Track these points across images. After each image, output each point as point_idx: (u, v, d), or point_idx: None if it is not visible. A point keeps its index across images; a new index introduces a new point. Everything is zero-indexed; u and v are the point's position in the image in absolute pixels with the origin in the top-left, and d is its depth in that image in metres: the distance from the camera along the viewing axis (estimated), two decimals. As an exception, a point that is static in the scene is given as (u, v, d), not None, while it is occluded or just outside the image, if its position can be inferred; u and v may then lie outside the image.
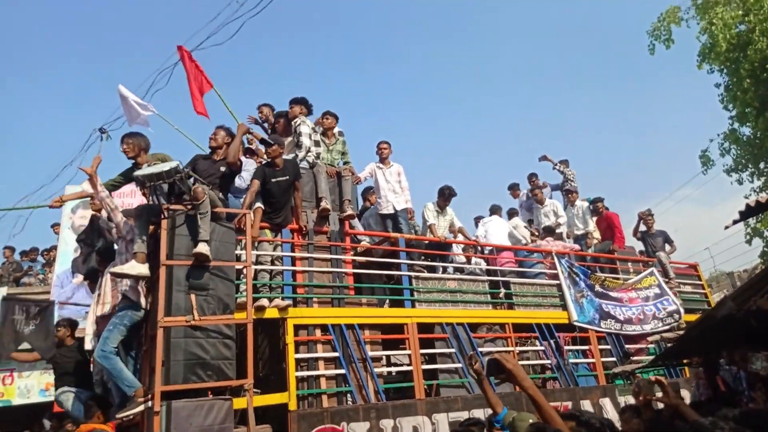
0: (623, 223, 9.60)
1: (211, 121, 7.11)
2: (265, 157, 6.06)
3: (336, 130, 7.16)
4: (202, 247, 4.53)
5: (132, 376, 4.65)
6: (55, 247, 13.28)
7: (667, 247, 9.60)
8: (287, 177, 5.68)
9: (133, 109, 6.82)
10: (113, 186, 5.33)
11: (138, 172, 4.61)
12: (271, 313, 5.52)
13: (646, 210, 9.95)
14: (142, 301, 4.90)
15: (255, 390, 5.92)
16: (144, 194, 4.71)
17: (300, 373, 5.51)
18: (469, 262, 8.36)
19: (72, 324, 6.54)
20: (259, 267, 5.63)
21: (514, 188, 10.88)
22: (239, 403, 5.02)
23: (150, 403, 4.36)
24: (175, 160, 4.70)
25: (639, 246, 10.09)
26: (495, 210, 8.91)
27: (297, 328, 5.68)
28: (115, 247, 5.23)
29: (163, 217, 4.64)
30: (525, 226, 9.07)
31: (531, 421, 3.27)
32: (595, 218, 9.74)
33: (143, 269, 4.70)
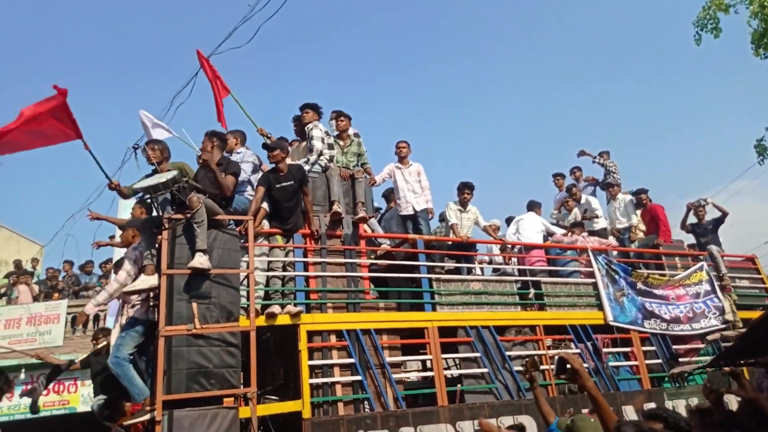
0: (673, 221, 9.03)
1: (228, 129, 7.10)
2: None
3: (351, 131, 7.05)
4: (197, 260, 4.52)
5: (142, 384, 4.69)
6: (111, 260, 13.85)
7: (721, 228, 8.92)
8: (291, 182, 5.60)
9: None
10: (134, 191, 5.37)
11: (137, 185, 4.65)
12: (283, 320, 5.46)
13: (697, 200, 9.27)
14: (150, 315, 4.93)
15: (273, 398, 5.92)
16: (144, 206, 4.73)
17: (314, 380, 5.41)
18: (506, 262, 8.04)
19: (107, 333, 6.74)
20: (270, 273, 5.58)
21: (558, 177, 10.34)
22: (247, 412, 4.99)
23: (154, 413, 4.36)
24: (175, 171, 4.72)
25: (690, 239, 9.43)
26: (531, 206, 8.47)
27: (311, 334, 5.59)
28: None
29: (164, 227, 4.65)
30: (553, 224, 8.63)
31: (593, 420, 3.11)
32: (639, 212, 9.19)
33: (153, 280, 4.74)
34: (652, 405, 6.87)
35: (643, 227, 9.01)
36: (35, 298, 13.73)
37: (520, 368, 6.46)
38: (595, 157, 10.00)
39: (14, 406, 13.11)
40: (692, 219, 9.27)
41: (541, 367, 6.58)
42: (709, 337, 7.97)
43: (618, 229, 9.11)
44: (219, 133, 5.38)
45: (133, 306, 4.97)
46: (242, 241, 5.19)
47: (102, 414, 5.69)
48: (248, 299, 5.33)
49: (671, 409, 6.02)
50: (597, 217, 8.86)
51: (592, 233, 8.80)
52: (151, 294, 4.92)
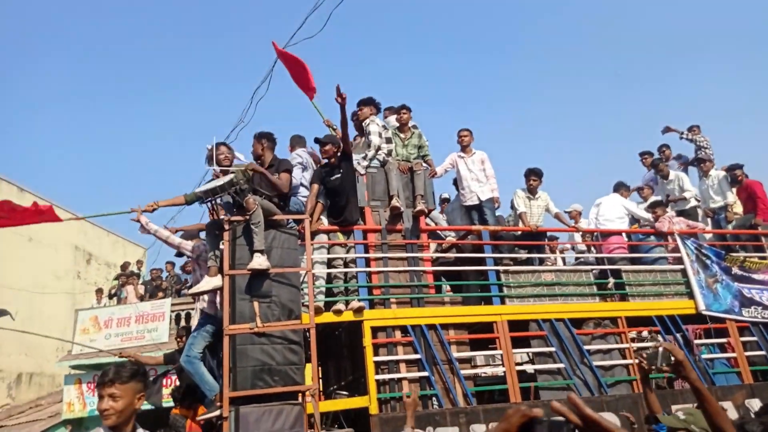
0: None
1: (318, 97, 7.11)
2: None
3: (411, 123, 6.97)
4: (256, 262, 4.63)
5: (213, 381, 4.90)
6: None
7: None
8: (341, 175, 5.61)
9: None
10: (196, 197, 5.55)
11: (198, 189, 4.85)
12: (346, 317, 5.50)
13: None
14: (218, 311, 5.15)
15: (344, 393, 6.00)
16: (210, 210, 4.93)
17: (380, 377, 5.42)
18: (589, 250, 7.63)
19: (189, 331, 7.17)
20: (332, 270, 5.65)
21: (645, 155, 9.59)
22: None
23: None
24: (233, 174, 4.87)
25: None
26: (617, 188, 7.92)
27: (375, 330, 5.59)
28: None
29: (225, 229, 4.83)
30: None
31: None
32: (734, 189, 8.38)
33: (217, 281, 4.93)
34: (756, 401, 6.27)
35: (739, 208, 8.21)
36: (141, 298, 14.84)
37: (601, 363, 6.15)
38: (682, 133, 9.23)
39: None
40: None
41: (626, 362, 6.21)
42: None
43: (712, 208, 8.36)
44: (267, 134, 5.46)
45: (201, 302, 5.21)
46: (301, 240, 5.28)
47: (176, 395, 6.07)
48: (315, 296, 5.47)
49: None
50: (685, 198, 8.17)
51: (681, 213, 8.16)
52: (218, 293, 5.13)
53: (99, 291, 15.93)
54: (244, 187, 4.82)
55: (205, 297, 5.14)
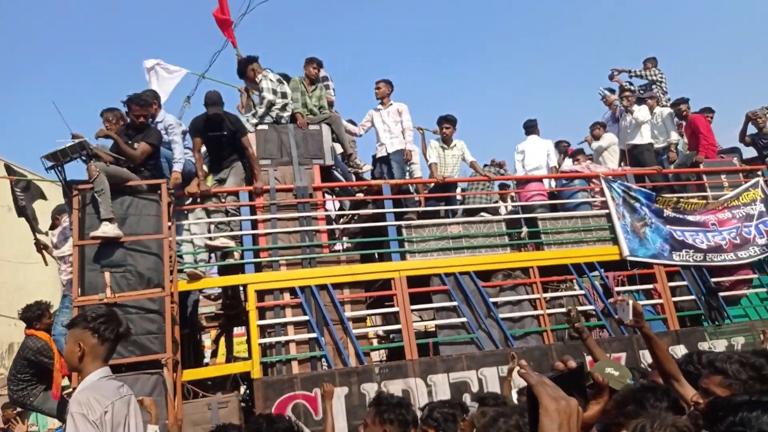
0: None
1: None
2: None
3: (322, 74, 6.66)
4: (101, 230, 4.43)
5: None
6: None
7: None
8: (222, 132, 5.32)
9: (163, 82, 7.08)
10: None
11: (43, 154, 4.62)
12: (232, 281, 5.36)
13: (760, 108, 7.71)
14: None
15: (242, 357, 5.90)
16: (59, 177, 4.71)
17: (264, 340, 5.27)
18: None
19: None
20: (216, 236, 5.45)
21: (606, 95, 8.82)
22: (190, 374, 4.99)
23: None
24: (82, 137, 4.63)
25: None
26: (529, 127, 7.39)
27: (261, 293, 5.43)
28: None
29: (73, 195, 4.63)
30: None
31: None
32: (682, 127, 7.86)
33: None
34: (680, 347, 6.00)
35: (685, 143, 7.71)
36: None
37: (509, 315, 5.90)
38: (631, 72, 8.58)
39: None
40: (753, 130, 7.78)
41: (535, 312, 5.95)
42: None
43: (655, 149, 7.86)
44: (135, 98, 5.12)
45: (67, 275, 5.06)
46: (181, 204, 5.08)
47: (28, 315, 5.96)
48: (194, 263, 5.30)
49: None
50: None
51: (634, 148, 7.65)
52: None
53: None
54: (92, 152, 4.59)
55: (66, 270, 4.99)
